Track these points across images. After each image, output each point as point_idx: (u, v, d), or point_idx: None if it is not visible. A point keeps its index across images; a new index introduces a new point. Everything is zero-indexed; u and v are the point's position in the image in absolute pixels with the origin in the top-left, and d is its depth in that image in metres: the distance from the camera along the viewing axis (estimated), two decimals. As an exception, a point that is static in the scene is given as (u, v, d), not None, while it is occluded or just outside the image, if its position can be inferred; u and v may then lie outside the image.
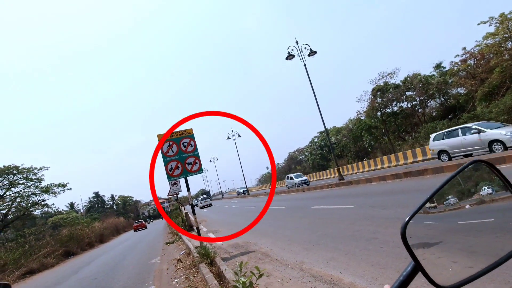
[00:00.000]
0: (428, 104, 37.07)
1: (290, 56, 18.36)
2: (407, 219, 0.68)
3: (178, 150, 6.79)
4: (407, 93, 35.63)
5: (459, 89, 33.12)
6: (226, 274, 4.24)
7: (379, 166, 25.38)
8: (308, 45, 18.25)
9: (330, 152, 51.90)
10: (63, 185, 28.46)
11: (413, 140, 31.70)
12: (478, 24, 24.89)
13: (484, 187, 0.69)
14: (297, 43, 18.46)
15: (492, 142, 11.02)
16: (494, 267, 0.62)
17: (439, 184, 0.69)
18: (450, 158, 12.88)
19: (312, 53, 18.22)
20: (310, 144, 62.82)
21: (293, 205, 13.94)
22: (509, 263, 0.66)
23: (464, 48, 28.77)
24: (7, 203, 26.41)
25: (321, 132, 59.85)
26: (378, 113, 37.64)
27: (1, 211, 26.46)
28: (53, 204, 34.73)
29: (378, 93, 36.51)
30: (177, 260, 7.11)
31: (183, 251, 8.88)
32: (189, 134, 6.99)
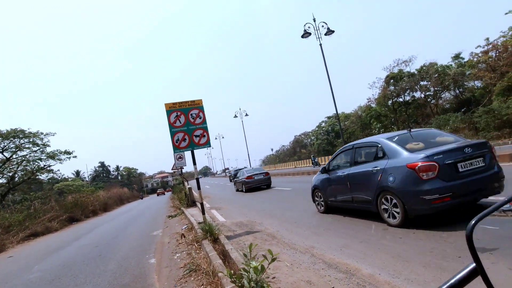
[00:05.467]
0: (442, 96, 35.99)
1: (306, 34, 17.55)
2: (475, 221, 0.65)
3: (186, 121, 6.46)
4: (422, 83, 34.54)
5: (476, 82, 31.99)
6: (232, 254, 4.01)
7: (386, 155, 24.98)
8: (326, 23, 17.41)
9: (337, 138, 51.35)
10: (69, 153, 28.59)
11: (424, 131, 31.01)
12: (506, 13, 23.55)
13: None
14: (314, 20, 17.61)
15: None
16: None
17: None
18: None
19: (329, 32, 17.41)
20: (317, 129, 62.19)
21: (299, 187, 13.72)
22: None
23: (487, 39, 27.47)
24: (13, 166, 26.70)
25: (329, 117, 59.04)
26: (390, 102, 36.73)
27: (8, 174, 26.82)
28: (58, 170, 35.20)
29: (392, 80, 35.46)
30: (181, 235, 6.95)
31: (185, 226, 8.76)
32: (198, 106, 6.63)
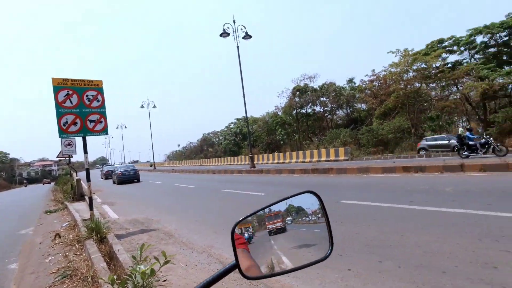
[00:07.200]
0: (337, 112, 41.10)
1: (224, 34, 17.59)
2: (239, 220, 0.81)
3: (79, 103, 5.56)
4: (322, 99, 38.69)
5: (362, 104, 37.61)
6: (120, 255, 3.57)
7: (287, 160, 26.99)
8: (245, 27, 17.80)
9: (243, 140, 53.03)
10: None
11: (319, 142, 34.75)
12: (388, 52, 28.44)
13: (310, 213, 0.84)
14: (234, 22, 17.80)
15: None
16: (293, 271, 0.80)
17: (275, 200, 0.82)
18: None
19: (247, 36, 17.84)
20: (225, 129, 62.98)
21: (202, 185, 13.53)
22: None
23: (373, 70, 32.61)
24: None
25: (238, 119, 60.48)
26: (294, 112, 39.92)
27: None
28: None
29: (298, 92, 38.63)
30: (55, 234, 5.92)
31: (67, 223, 7.56)
32: (97, 87, 5.79)
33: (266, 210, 0.83)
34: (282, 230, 0.85)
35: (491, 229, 3.53)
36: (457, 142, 13.41)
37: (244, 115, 19.98)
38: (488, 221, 3.87)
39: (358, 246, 3.50)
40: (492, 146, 12.10)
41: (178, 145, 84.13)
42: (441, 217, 4.35)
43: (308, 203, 0.87)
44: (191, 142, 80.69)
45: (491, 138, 12.66)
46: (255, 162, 31.34)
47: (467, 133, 13.12)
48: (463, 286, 2.31)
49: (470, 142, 12.73)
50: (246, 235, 0.82)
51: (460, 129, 13.75)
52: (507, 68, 24.94)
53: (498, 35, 25.63)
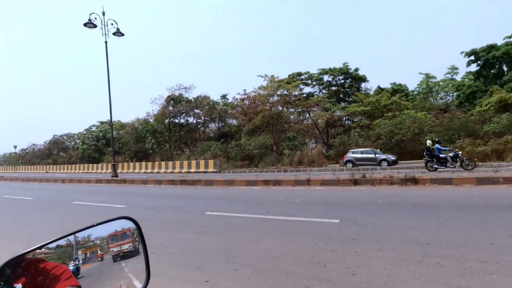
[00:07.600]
0: (209, 125, 42.26)
1: (90, 24, 15.47)
2: (15, 257, 0.63)
3: None
4: (196, 110, 39.07)
5: (233, 120, 40.11)
6: None
7: (156, 170, 25.67)
8: (116, 22, 16.21)
9: (107, 146, 47.34)
10: None
11: (190, 153, 34.70)
12: (258, 76, 31.75)
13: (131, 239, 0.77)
14: (103, 14, 15.96)
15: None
16: None
17: (81, 228, 0.70)
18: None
19: (118, 33, 16.27)
20: (85, 132, 54.78)
21: (46, 197, 11.20)
22: None
23: (245, 90, 35.55)
24: None
25: (102, 122, 53.77)
26: (167, 121, 38.70)
27: None
28: None
29: (172, 102, 37.74)
30: None
31: None
32: None
33: (71, 237, 0.69)
34: (132, 252, 0.74)
35: (323, 233, 4.31)
36: (425, 154, 12.86)
37: (109, 118, 17.92)
38: (322, 227, 4.71)
39: (217, 257, 3.60)
40: (461, 160, 11.93)
41: (15, 147, 67.61)
42: (290, 225, 5.02)
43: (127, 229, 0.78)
44: (34, 144, 66.21)
45: (460, 152, 12.43)
46: (120, 171, 28.42)
47: (437, 145, 12.60)
48: (301, 284, 2.70)
49: (441, 155, 12.31)
50: (71, 266, 0.67)
51: (429, 141, 13.19)
52: (342, 104, 32.10)
53: (338, 77, 32.77)
